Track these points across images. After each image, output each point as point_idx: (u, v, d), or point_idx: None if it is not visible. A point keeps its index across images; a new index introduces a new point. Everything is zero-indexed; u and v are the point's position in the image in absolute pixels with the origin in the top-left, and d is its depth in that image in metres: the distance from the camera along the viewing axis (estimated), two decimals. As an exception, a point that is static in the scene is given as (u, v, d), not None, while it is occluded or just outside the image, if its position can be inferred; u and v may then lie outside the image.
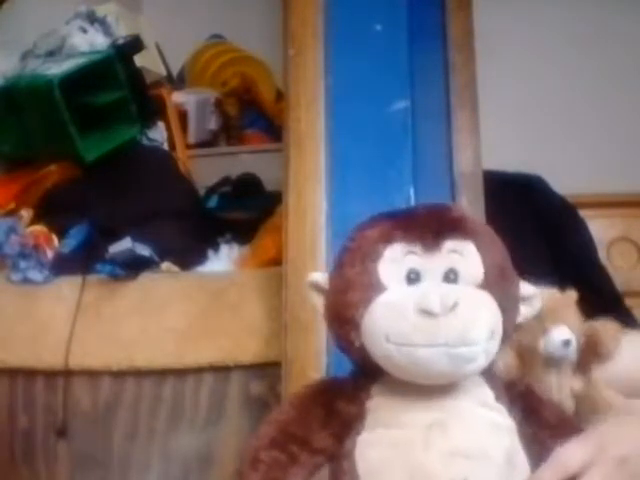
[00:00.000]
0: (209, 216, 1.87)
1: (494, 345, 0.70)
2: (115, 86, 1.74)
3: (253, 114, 2.31)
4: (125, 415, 1.45)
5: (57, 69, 1.69)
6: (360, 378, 0.75)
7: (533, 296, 0.77)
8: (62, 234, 1.64)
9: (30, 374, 1.48)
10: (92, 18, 1.91)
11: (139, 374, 1.45)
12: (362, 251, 0.73)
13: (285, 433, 0.74)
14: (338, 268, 0.76)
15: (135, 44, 1.84)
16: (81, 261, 1.56)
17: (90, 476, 1.45)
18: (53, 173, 1.75)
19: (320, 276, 0.77)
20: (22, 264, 1.55)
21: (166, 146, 1.97)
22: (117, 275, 1.49)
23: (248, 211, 1.82)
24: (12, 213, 1.70)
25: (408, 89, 1.34)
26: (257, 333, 1.41)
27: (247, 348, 1.41)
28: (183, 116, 2.12)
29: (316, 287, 0.77)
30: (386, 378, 0.72)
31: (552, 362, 0.86)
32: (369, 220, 0.77)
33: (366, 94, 1.35)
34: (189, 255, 1.65)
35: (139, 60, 1.86)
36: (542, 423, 0.75)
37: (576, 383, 0.86)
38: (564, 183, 1.84)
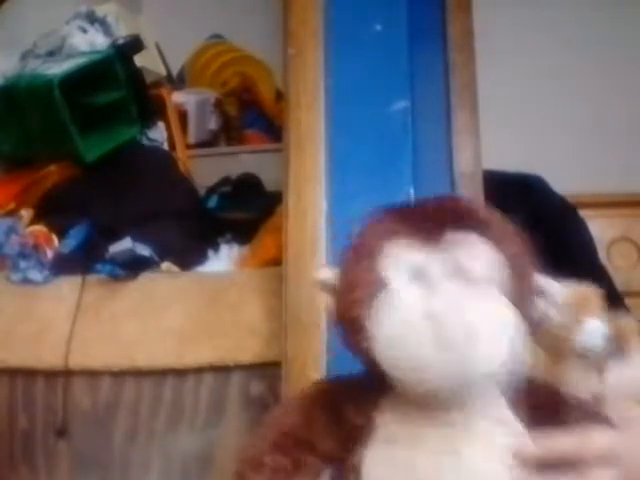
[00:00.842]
0: (209, 216, 1.87)
1: (509, 353, 0.66)
2: (115, 86, 1.74)
3: (253, 114, 2.31)
4: (125, 415, 1.45)
5: (57, 69, 1.69)
6: (369, 385, 0.72)
7: (551, 289, 0.74)
8: (62, 234, 1.64)
9: (30, 374, 1.48)
10: (92, 18, 1.91)
11: (139, 374, 1.45)
12: (364, 247, 0.72)
13: (289, 436, 0.72)
14: (343, 266, 0.74)
15: (135, 44, 1.84)
16: (81, 261, 1.56)
17: (90, 476, 1.45)
18: (53, 173, 1.75)
19: (328, 273, 0.76)
20: (22, 264, 1.55)
21: (166, 146, 1.97)
22: (117, 275, 1.49)
23: (248, 211, 1.82)
24: (12, 213, 1.71)
25: (408, 89, 1.34)
26: (257, 333, 1.41)
27: (247, 348, 1.41)
28: (183, 116, 2.12)
29: (324, 286, 0.75)
30: (397, 391, 0.69)
31: (585, 356, 0.84)
32: (373, 215, 0.75)
33: (366, 94, 1.34)
34: (189, 255, 1.65)
35: (139, 60, 1.86)
36: (567, 421, 0.70)
37: (592, 382, 0.84)
38: (564, 183, 1.84)
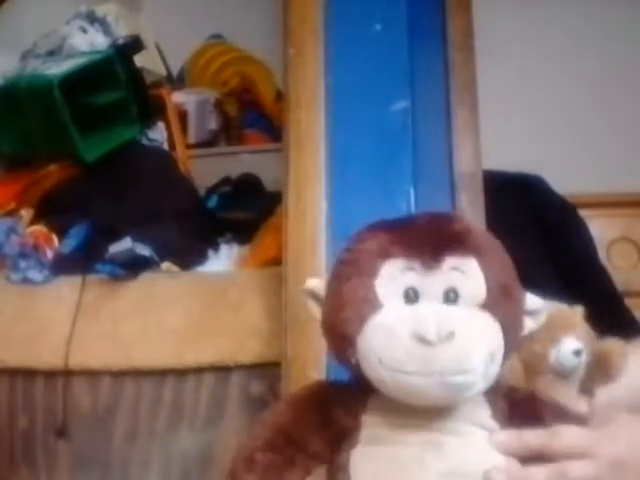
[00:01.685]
0: (209, 216, 1.87)
1: (494, 368, 0.68)
2: (115, 86, 1.74)
3: (253, 114, 2.31)
4: (125, 415, 1.45)
5: (57, 69, 1.69)
6: (358, 388, 0.73)
7: (539, 309, 0.74)
8: (62, 234, 1.64)
9: (30, 374, 1.48)
10: (92, 18, 1.92)
11: (139, 374, 1.45)
12: (358, 265, 0.70)
13: (280, 435, 0.73)
14: (334, 281, 0.73)
15: (135, 44, 1.84)
16: (81, 261, 1.56)
17: (90, 476, 1.45)
18: (53, 173, 1.75)
19: (317, 283, 0.75)
20: (22, 264, 1.55)
21: (166, 146, 1.97)
22: (117, 275, 1.49)
23: (248, 211, 1.81)
24: (12, 213, 1.71)
25: (408, 89, 1.34)
26: (257, 333, 1.41)
27: (247, 348, 1.41)
28: (183, 116, 2.12)
29: (313, 295, 0.75)
30: (382, 393, 0.70)
31: (561, 373, 0.85)
32: (366, 230, 0.74)
33: (366, 94, 1.34)
34: (189, 255, 1.65)
35: (139, 60, 1.86)
36: (544, 426, 0.72)
37: (581, 404, 0.85)
38: (564, 183, 1.84)
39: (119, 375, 1.45)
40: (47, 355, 1.46)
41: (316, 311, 0.75)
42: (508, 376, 0.76)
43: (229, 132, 2.26)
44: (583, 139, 2.22)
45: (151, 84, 2.00)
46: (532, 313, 0.74)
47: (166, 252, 1.58)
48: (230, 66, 2.34)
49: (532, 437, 0.71)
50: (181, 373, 1.43)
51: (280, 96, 1.97)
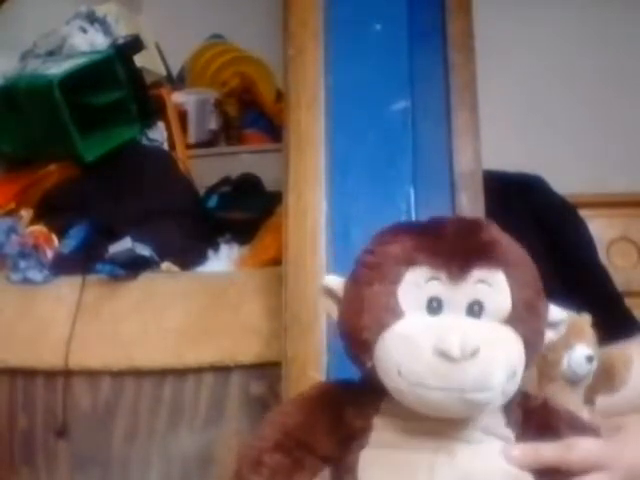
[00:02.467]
0: (209, 216, 1.87)
1: (514, 384, 0.66)
2: (115, 86, 1.74)
3: (253, 114, 2.31)
4: (125, 415, 1.45)
5: (57, 69, 1.69)
6: (370, 390, 0.71)
7: (561, 321, 0.72)
8: (62, 234, 1.64)
9: (30, 374, 1.48)
10: (92, 18, 1.92)
11: (139, 374, 1.45)
12: (381, 270, 0.67)
13: (290, 437, 0.71)
14: (354, 284, 0.70)
15: (135, 44, 1.84)
16: (81, 261, 1.56)
17: (90, 476, 1.45)
18: (53, 173, 1.75)
19: (335, 282, 0.72)
20: (22, 264, 1.55)
21: (166, 146, 1.97)
22: (117, 275, 1.49)
23: (248, 211, 1.81)
24: (12, 213, 1.71)
25: (408, 89, 1.34)
26: (257, 333, 1.41)
27: (247, 348, 1.41)
28: (183, 116, 2.12)
29: (330, 293, 0.73)
30: (396, 400, 0.69)
31: (571, 380, 0.84)
32: (389, 232, 0.71)
33: (366, 94, 1.34)
34: (189, 255, 1.65)
35: (139, 60, 1.86)
36: (559, 437, 0.71)
37: (585, 413, 0.85)
38: (564, 183, 1.84)
39: (119, 375, 1.45)
40: (47, 355, 1.46)
41: (332, 310, 0.73)
42: (521, 383, 0.75)
43: (229, 132, 2.26)
44: (583, 139, 2.22)
45: (151, 84, 2.01)
46: (553, 325, 0.72)
47: (166, 252, 1.58)
48: (230, 66, 2.34)
49: (547, 451, 0.70)
50: (181, 373, 1.44)
51: (280, 96, 1.97)
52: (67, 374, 1.45)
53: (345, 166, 1.32)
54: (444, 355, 0.63)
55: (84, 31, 1.87)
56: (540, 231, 1.72)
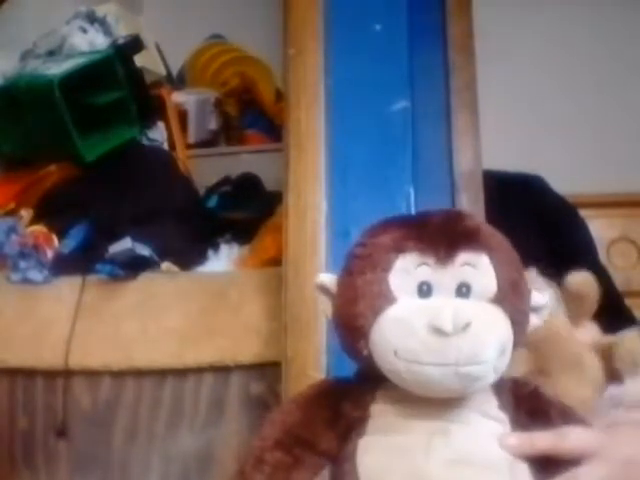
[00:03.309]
0: (209, 216, 1.87)
1: (504, 361, 0.69)
2: (115, 86, 1.74)
3: (253, 114, 2.31)
4: (125, 415, 1.45)
5: (57, 69, 1.69)
6: (365, 382, 0.74)
7: (543, 306, 0.75)
8: (62, 234, 1.64)
9: (30, 374, 1.48)
10: (92, 18, 1.92)
11: (139, 374, 1.45)
12: (372, 259, 0.71)
13: (290, 434, 0.73)
14: (347, 275, 0.73)
15: (135, 44, 1.84)
16: (81, 261, 1.56)
17: (90, 476, 1.45)
18: (53, 173, 1.75)
19: (328, 278, 0.76)
20: (22, 264, 1.55)
21: (166, 146, 1.98)
22: (117, 275, 1.49)
23: (248, 211, 1.82)
24: (12, 213, 1.71)
25: (408, 89, 1.34)
26: (257, 333, 1.41)
27: (247, 348, 1.41)
28: (183, 116, 2.12)
29: (324, 290, 0.76)
30: (391, 383, 0.71)
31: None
32: (379, 226, 0.75)
33: (366, 94, 1.34)
34: (189, 255, 1.65)
35: (139, 60, 1.86)
36: (550, 424, 0.73)
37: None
38: (564, 183, 1.84)
39: (119, 375, 1.45)
40: (47, 355, 1.46)
41: (327, 306, 0.76)
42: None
43: (229, 132, 2.26)
44: (583, 139, 2.22)
45: (151, 84, 2.00)
46: (537, 310, 0.75)
47: (166, 252, 1.58)
48: (230, 66, 2.34)
49: (542, 439, 0.71)
50: (181, 373, 1.44)
51: (280, 96, 1.97)
52: (67, 374, 1.45)
53: (345, 166, 1.32)
54: (437, 331, 0.66)
55: (84, 31, 1.87)
56: (540, 231, 1.72)
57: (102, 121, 1.72)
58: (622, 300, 1.75)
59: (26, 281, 1.54)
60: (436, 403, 0.70)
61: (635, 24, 2.23)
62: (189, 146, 2.10)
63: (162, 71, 2.21)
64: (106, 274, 1.50)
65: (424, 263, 0.70)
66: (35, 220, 1.68)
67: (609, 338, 0.90)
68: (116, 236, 1.54)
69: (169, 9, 2.55)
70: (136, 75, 1.82)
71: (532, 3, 2.27)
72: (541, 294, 0.76)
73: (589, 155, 2.20)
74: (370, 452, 0.71)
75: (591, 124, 2.23)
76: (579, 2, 2.27)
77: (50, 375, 1.47)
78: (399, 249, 0.71)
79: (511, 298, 0.71)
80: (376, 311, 0.69)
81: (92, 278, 1.52)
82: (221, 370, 1.42)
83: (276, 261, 1.41)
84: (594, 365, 0.92)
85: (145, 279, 1.52)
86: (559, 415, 0.75)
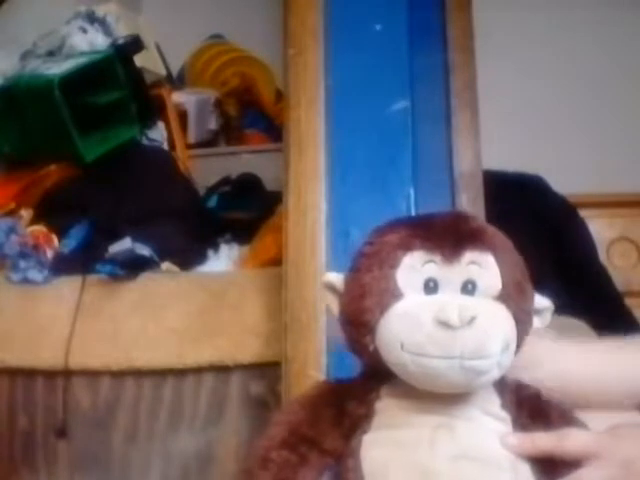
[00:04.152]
0: (209, 216, 1.87)
1: (508, 357, 0.70)
2: (115, 86, 1.74)
3: (253, 114, 2.31)
4: (125, 415, 1.45)
5: (57, 69, 1.69)
6: (370, 379, 0.75)
7: (546, 308, 0.76)
8: (62, 234, 1.64)
9: (30, 374, 1.48)
10: (92, 18, 1.91)
11: (139, 374, 1.45)
12: (380, 256, 0.72)
13: (296, 434, 0.74)
14: (354, 273, 0.74)
15: (135, 44, 1.84)
16: (81, 261, 1.56)
17: (90, 476, 1.45)
18: (53, 173, 1.75)
19: (335, 277, 0.76)
20: (22, 264, 1.55)
21: (166, 146, 1.98)
22: (117, 275, 1.49)
23: (248, 211, 1.82)
24: (12, 213, 1.71)
25: (408, 89, 1.34)
26: (257, 333, 1.41)
27: (247, 348, 1.41)
28: (183, 116, 2.12)
29: (331, 288, 0.77)
30: (396, 380, 0.72)
31: None
32: (387, 225, 0.76)
33: (366, 94, 1.34)
34: (189, 255, 1.65)
35: (139, 60, 1.86)
36: (550, 426, 0.74)
37: None
38: (564, 183, 1.84)
39: (119, 375, 1.45)
40: (47, 355, 1.46)
41: (334, 304, 0.77)
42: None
43: (229, 132, 2.26)
44: (583, 139, 2.22)
45: (151, 84, 2.00)
46: (539, 312, 0.76)
47: (166, 252, 1.58)
48: (230, 66, 2.34)
49: (543, 440, 0.72)
50: (181, 373, 1.44)
51: (280, 96, 1.97)
52: (67, 374, 1.45)
53: (345, 166, 1.32)
54: (443, 324, 0.67)
55: (84, 31, 1.87)
56: (540, 231, 1.72)
57: (102, 121, 1.72)
58: (622, 300, 1.75)
59: (26, 281, 1.54)
60: (440, 399, 0.71)
61: (634, 25, 2.23)
62: (189, 146, 2.10)
63: (162, 71, 2.21)
64: (106, 274, 1.50)
65: (431, 260, 0.71)
66: (35, 220, 1.68)
67: None
68: (116, 236, 1.54)
69: (169, 9, 2.55)
70: (136, 75, 1.82)
71: (532, 3, 2.27)
72: (544, 298, 0.77)
73: (589, 155, 2.20)
74: (374, 447, 0.71)
75: (591, 124, 2.23)
76: (578, 3, 2.27)
77: (50, 375, 1.47)
78: (406, 247, 0.72)
79: (515, 297, 0.72)
80: (383, 307, 0.70)
81: (92, 278, 1.52)
82: (221, 370, 1.42)
83: (276, 261, 1.41)
84: None
85: (145, 279, 1.52)
86: (560, 418, 0.75)
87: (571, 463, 0.72)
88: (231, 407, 1.42)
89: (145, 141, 1.90)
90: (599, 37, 2.26)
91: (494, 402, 0.74)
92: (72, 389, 1.46)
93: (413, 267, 0.71)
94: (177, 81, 2.35)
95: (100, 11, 1.94)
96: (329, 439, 0.74)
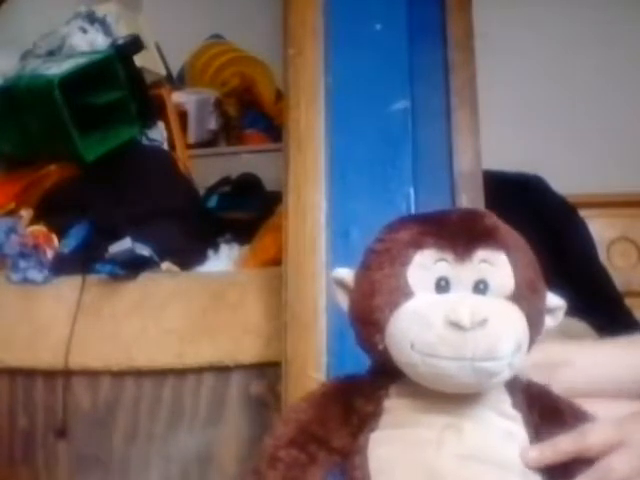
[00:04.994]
0: (209, 216, 1.87)
1: (519, 358, 0.69)
2: (115, 86, 1.74)
3: (253, 114, 2.32)
4: (125, 415, 1.45)
5: (57, 69, 1.69)
6: (379, 376, 0.74)
7: (559, 307, 0.75)
8: (62, 234, 1.64)
9: (30, 374, 1.48)
10: (92, 18, 1.92)
11: (139, 374, 1.45)
12: (391, 254, 0.71)
13: (304, 432, 0.73)
14: (364, 270, 0.74)
15: (135, 44, 1.84)
16: (81, 261, 1.56)
17: (90, 476, 1.45)
18: (53, 173, 1.75)
19: (346, 273, 0.76)
20: (22, 264, 1.55)
21: (166, 146, 1.98)
22: (117, 275, 1.49)
23: (248, 211, 1.82)
24: (12, 213, 1.71)
25: (408, 89, 1.34)
26: (257, 333, 1.41)
27: (247, 348, 1.41)
28: (183, 116, 2.13)
29: (340, 284, 0.76)
30: (405, 379, 0.71)
31: None
32: (397, 223, 0.75)
33: (366, 94, 1.34)
34: (189, 255, 1.65)
35: (139, 60, 1.86)
36: (563, 424, 0.73)
37: None
38: (564, 183, 1.84)
39: (119, 375, 1.45)
40: (47, 355, 1.46)
41: (343, 300, 0.76)
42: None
43: (229, 132, 2.26)
44: (583, 139, 2.22)
45: (151, 84, 2.01)
46: (551, 311, 0.75)
47: (166, 252, 1.58)
48: (230, 66, 2.34)
49: (565, 442, 0.71)
50: (181, 373, 1.44)
51: (280, 96, 1.97)
52: (67, 374, 1.45)
53: (345, 166, 1.32)
54: (455, 325, 0.65)
55: (84, 31, 1.87)
56: (540, 231, 1.71)
57: (102, 121, 1.72)
58: (622, 300, 1.75)
59: (26, 281, 1.54)
60: (450, 399, 0.70)
61: (635, 24, 2.23)
62: (189, 146, 2.10)
63: (162, 71, 2.21)
64: (106, 274, 1.50)
65: (442, 259, 0.70)
66: (35, 220, 1.68)
67: None
68: (116, 236, 1.54)
69: (169, 9, 2.55)
70: (136, 75, 1.82)
71: (532, 3, 2.27)
72: (556, 296, 0.76)
73: (589, 155, 2.20)
74: (381, 445, 0.71)
75: (591, 124, 2.23)
76: (579, 2, 2.27)
77: (50, 375, 1.47)
78: (418, 244, 0.71)
79: (528, 296, 0.71)
80: (393, 305, 0.70)
81: (92, 278, 1.52)
82: (221, 370, 1.42)
83: (276, 261, 1.41)
84: None
85: (145, 279, 1.52)
86: (571, 414, 0.75)
87: (582, 460, 0.71)
88: (231, 407, 1.42)
89: (145, 141, 1.90)
90: (599, 37, 2.26)
91: (505, 401, 0.73)
92: (72, 389, 1.46)
93: (424, 265, 0.70)
94: (177, 81, 2.35)
95: (100, 11, 1.95)
96: (337, 437, 0.73)
